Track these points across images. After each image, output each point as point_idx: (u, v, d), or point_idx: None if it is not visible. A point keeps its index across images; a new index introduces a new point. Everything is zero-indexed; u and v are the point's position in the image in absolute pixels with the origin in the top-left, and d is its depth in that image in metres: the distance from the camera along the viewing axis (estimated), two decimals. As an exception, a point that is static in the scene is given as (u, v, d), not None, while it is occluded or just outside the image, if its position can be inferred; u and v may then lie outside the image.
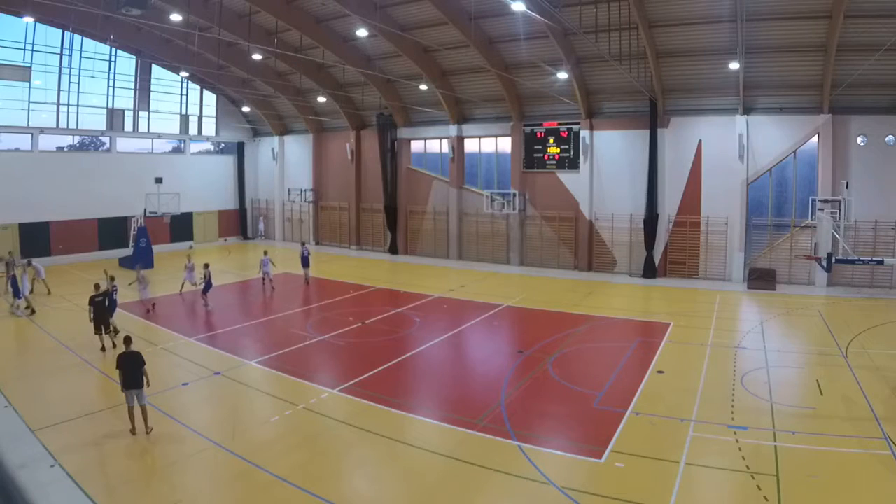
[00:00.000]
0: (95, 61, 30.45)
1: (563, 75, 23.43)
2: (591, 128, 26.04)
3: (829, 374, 12.75)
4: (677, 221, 24.50)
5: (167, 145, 35.53)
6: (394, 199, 32.21)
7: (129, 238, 29.25)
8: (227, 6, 24.07)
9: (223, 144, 38.71)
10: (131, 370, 9.93)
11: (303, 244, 25.79)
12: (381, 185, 32.39)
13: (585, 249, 26.44)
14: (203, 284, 19.48)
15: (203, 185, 36.25)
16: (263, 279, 22.58)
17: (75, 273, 25.42)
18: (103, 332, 14.55)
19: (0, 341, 15.86)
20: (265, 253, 23.47)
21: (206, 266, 19.71)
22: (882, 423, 10.05)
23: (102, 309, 14.55)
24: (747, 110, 22.94)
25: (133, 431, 9.83)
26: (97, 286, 15.06)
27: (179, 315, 18.94)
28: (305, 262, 23.98)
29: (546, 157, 27.50)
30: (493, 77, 25.73)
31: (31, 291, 19.81)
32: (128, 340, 10.52)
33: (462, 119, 30.14)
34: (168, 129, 34.88)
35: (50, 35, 28.30)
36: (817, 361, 13.82)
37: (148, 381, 10.10)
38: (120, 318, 16.36)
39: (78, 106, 30.14)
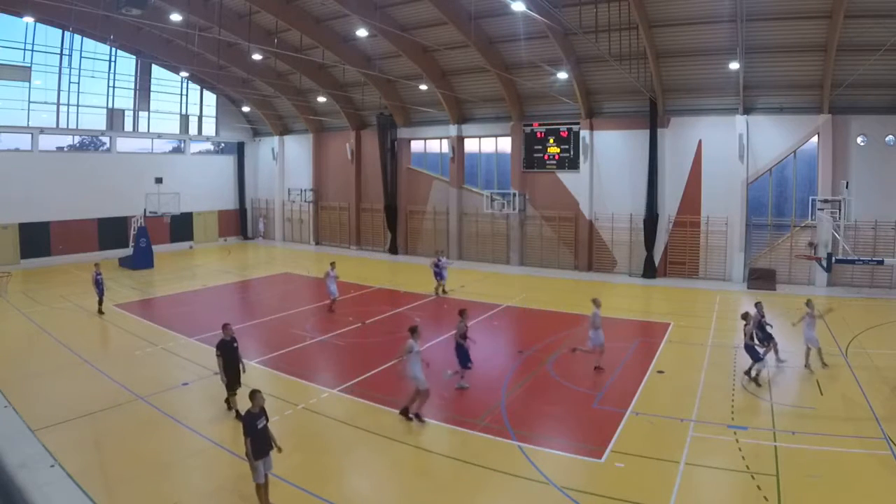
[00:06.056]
0: (95, 61, 30.45)
1: (563, 75, 23.43)
2: (591, 128, 26.03)
3: (829, 374, 12.75)
4: (677, 221, 24.49)
5: (167, 145, 35.52)
6: (394, 199, 32.21)
7: (129, 238, 29.24)
8: (227, 6, 24.08)
9: (223, 144, 38.70)
10: (263, 434, 7.82)
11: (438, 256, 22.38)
12: (381, 185, 32.38)
13: (585, 249, 26.43)
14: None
15: (203, 185, 36.24)
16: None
17: (75, 273, 25.40)
18: (236, 389, 10.59)
19: (0, 341, 15.86)
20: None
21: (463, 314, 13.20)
22: (882, 423, 10.05)
23: (236, 357, 10.70)
24: (747, 110, 22.93)
25: None
26: (226, 326, 10.90)
27: (181, 315, 18.92)
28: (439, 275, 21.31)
29: (546, 157, 27.49)
30: (493, 77, 25.72)
31: None
32: (254, 395, 8.00)
33: (462, 119, 30.12)
34: (168, 129, 34.89)
35: (50, 35, 28.30)
36: (817, 361, 13.79)
37: (277, 445, 7.93)
38: (121, 316, 16.36)
39: (78, 106, 30.13)
